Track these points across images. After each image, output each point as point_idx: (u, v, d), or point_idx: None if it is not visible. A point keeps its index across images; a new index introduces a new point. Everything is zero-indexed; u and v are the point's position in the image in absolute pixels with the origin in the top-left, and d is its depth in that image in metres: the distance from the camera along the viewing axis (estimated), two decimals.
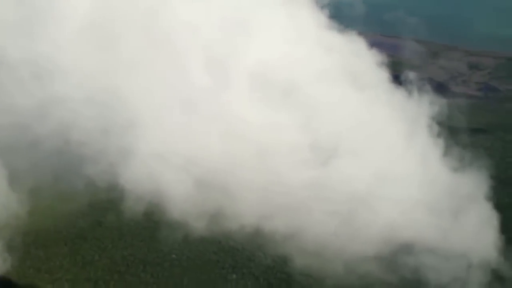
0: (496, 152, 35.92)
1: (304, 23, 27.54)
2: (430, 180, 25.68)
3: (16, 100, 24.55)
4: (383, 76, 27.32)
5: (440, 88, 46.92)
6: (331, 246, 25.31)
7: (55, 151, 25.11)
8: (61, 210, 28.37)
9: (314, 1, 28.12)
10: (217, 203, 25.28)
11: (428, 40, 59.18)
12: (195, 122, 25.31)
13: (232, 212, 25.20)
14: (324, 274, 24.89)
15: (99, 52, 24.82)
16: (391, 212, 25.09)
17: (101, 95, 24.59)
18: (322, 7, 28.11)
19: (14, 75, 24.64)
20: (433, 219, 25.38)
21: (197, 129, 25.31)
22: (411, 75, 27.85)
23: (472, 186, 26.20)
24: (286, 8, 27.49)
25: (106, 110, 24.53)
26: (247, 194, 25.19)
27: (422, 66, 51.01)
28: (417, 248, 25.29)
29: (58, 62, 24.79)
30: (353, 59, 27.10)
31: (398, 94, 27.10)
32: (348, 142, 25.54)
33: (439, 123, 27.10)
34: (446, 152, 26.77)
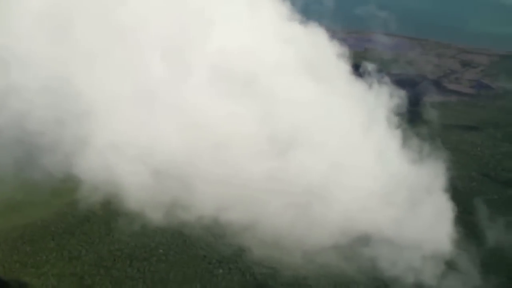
0: (486, 149, 36.25)
1: (265, 15, 27.55)
2: (387, 172, 25.88)
3: None
4: (343, 68, 27.40)
5: (433, 85, 47.65)
6: (290, 237, 25.47)
7: (13, 140, 25.07)
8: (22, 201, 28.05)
9: None
10: (174, 194, 25.31)
11: (422, 38, 59.76)
12: (153, 113, 25.31)
13: (190, 203, 25.27)
14: (283, 265, 24.98)
15: (55, 42, 24.74)
16: (348, 204, 25.28)
17: (57, 85, 24.55)
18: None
19: None
20: (390, 210, 25.60)
21: (155, 119, 25.30)
22: (371, 67, 27.93)
23: (429, 178, 26.48)
24: None
25: (63, 100, 24.52)
26: (204, 185, 25.24)
27: (415, 63, 51.42)
28: (374, 238, 25.53)
29: (15, 52, 24.72)
30: (314, 51, 27.16)
31: (357, 86, 27.22)
32: (306, 134, 25.61)
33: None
34: (404, 144, 27.00)
